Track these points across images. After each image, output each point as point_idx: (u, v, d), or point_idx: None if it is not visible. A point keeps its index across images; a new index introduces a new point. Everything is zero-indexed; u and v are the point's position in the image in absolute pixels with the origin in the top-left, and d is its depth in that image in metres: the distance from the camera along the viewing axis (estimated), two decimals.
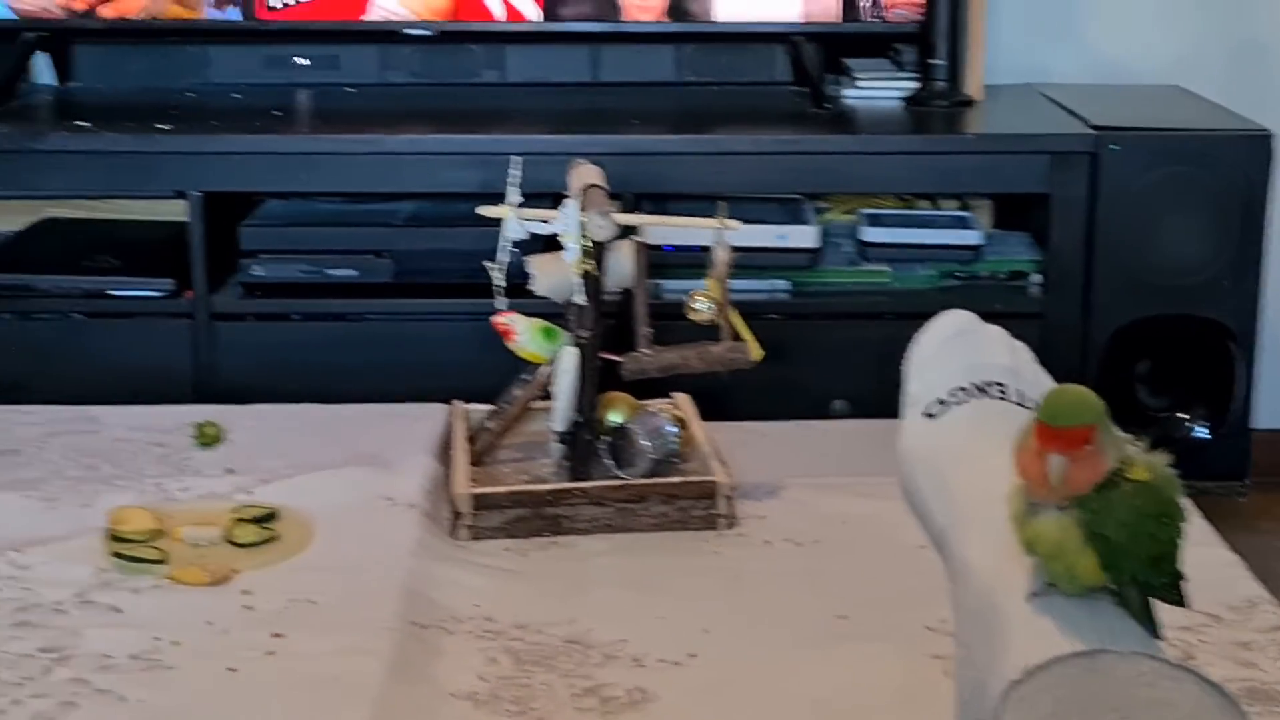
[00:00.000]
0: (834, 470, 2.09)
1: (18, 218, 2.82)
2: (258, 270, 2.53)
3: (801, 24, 2.77)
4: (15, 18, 2.74)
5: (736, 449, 2.08)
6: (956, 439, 1.44)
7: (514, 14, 2.76)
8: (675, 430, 2.04)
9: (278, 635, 1.62)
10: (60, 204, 2.85)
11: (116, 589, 1.71)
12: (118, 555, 1.76)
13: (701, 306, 2.00)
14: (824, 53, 2.81)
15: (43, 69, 2.88)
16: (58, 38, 2.84)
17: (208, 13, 2.74)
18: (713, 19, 2.78)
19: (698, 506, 1.94)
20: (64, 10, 2.73)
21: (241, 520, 1.84)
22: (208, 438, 2.12)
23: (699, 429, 2.10)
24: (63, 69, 2.88)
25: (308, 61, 2.87)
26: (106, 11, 2.74)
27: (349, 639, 1.60)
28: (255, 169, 2.52)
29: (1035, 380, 1.50)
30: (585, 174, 2.06)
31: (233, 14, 2.74)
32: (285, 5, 2.74)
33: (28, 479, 1.98)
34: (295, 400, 2.29)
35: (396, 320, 2.54)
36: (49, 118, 2.72)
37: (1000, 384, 1.48)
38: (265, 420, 2.20)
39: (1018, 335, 1.55)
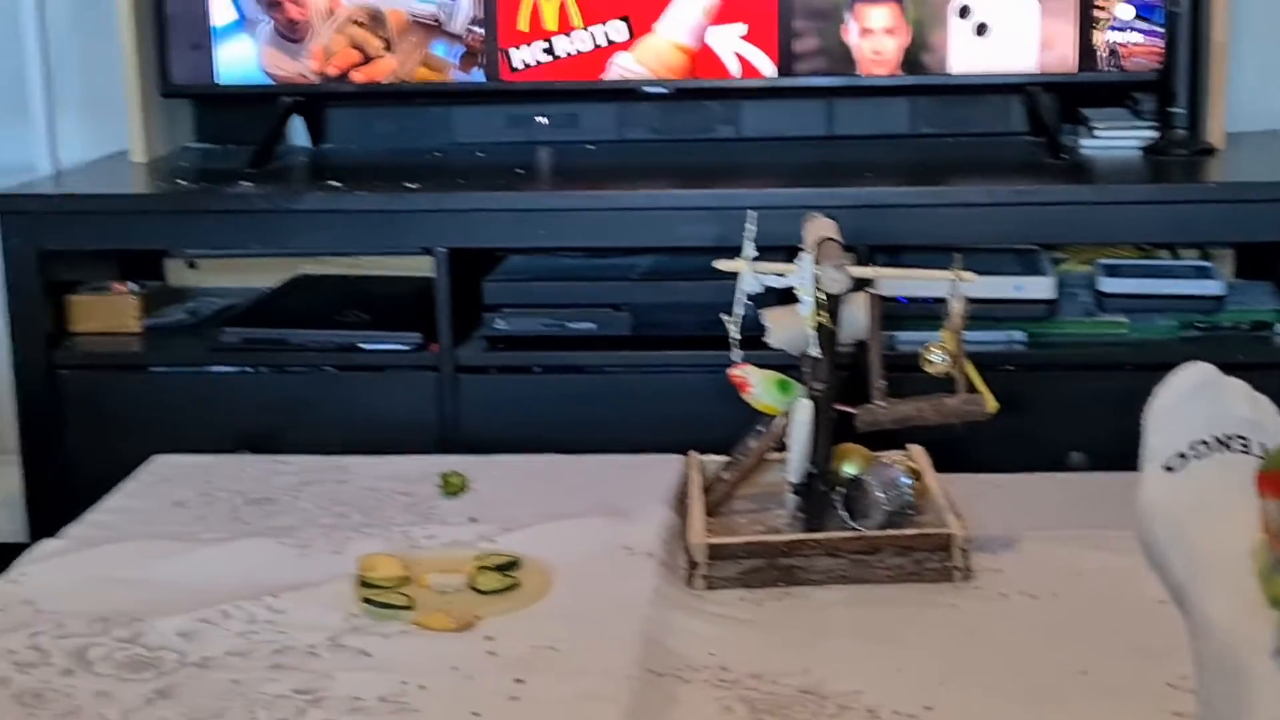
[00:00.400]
0: (1071, 523, 2.06)
1: (274, 275, 2.94)
2: (500, 324, 2.59)
3: (1038, 74, 2.76)
4: (273, 83, 2.86)
5: (972, 501, 2.07)
6: (1197, 493, 1.43)
7: (749, 70, 2.79)
8: (910, 482, 2.04)
9: (520, 680, 1.66)
10: (313, 261, 2.96)
11: (366, 634, 1.76)
12: (367, 601, 1.81)
13: (936, 358, 1.99)
14: (1061, 102, 2.79)
15: (298, 132, 3.00)
16: (312, 102, 2.96)
17: (454, 75, 2.83)
18: (947, 71, 2.78)
19: (933, 559, 1.93)
20: (318, 76, 2.85)
21: (485, 568, 1.88)
22: (453, 487, 2.17)
23: (934, 481, 2.09)
24: (316, 131, 3.00)
25: (548, 120, 2.94)
26: (358, 76, 2.85)
27: (588, 685, 1.63)
28: (498, 225, 2.59)
29: (1279, 433, 1.47)
30: (820, 227, 2.07)
31: (477, 75, 2.82)
32: (527, 66, 2.82)
33: (283, 526, 2.05)
34: (536, 450, 2.33)
35: (634, 372, 2.58)
36: (303, 178, 2.83)
37: (1243, 437, 1.45)
38: (507, 470, 2.25)
39: (1260, 387, 1.53)
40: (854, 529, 1.98)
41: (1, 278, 2.65)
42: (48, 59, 2.86)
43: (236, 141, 2.98)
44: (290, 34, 2.84)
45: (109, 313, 2.75)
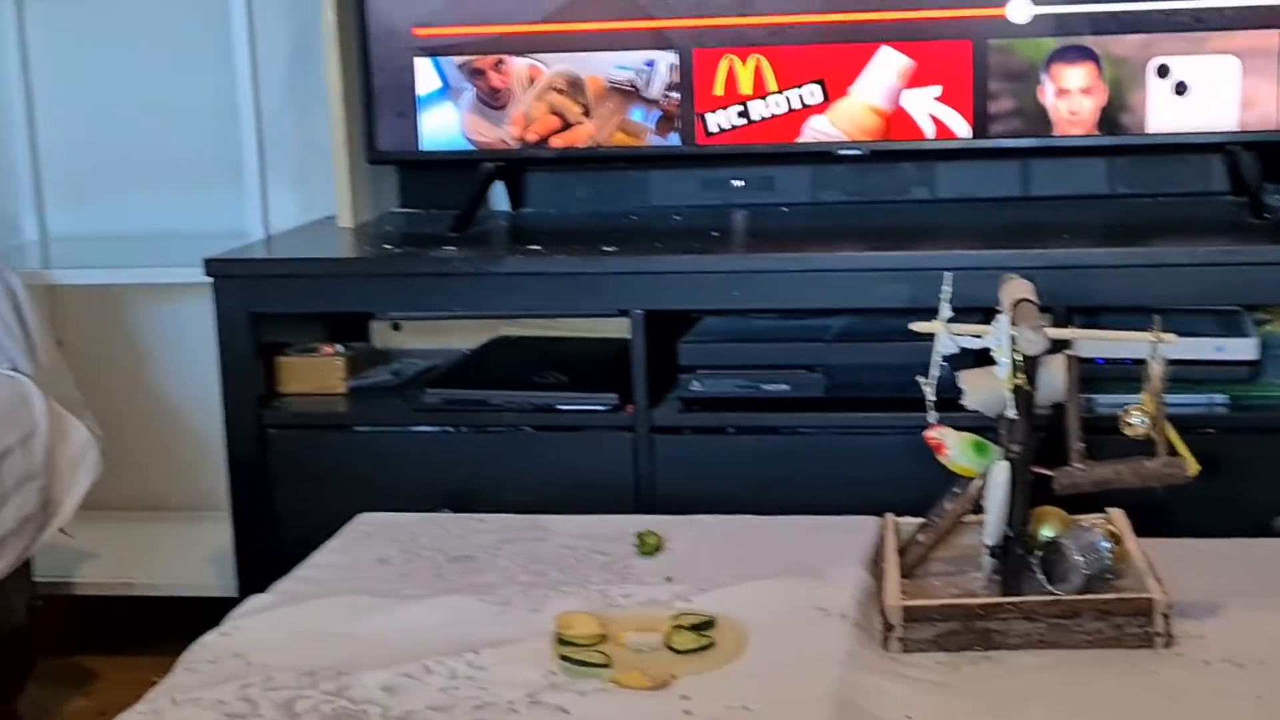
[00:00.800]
0: (1276, 590, 2.02)
1: (474, 336, 3.01)
2: (695, 385, 2.62)
3: (1239, 133, 2.72)
4: (475, 149, 2.93)
5: (1173, 565, 2.04)
6: None
7: (944, 131, 2.79)
8: (1109, 546, 2.01)
9: None
10: (511, 323, 3.02)
11: (564, 691, 1.79)
12: (565, 659, 1.84)
13: (1136, 421, 1.97)
14: (1263, 161, 2.75)
15: (499, 196, 3.07)
16: (513, 167, 3.03)
17: (650, 140, 2.87)
18: (1146, 130, 2.75)
19: (1133, 624, 1.90)
20: (519, 141, 2.91)
21: (680, 627, 1.90)
22: (648, 547, 2.19)
23: (1133, 545, 2.07)
24: (516, 196, 3.07)
25: (743, 183, 2.97)
26: (557, 141, 2.91)
27: None
28: (693, 287, 2.61)
29: None
30: (1016, 288, 2.07)
31: (673, 140, 2.87)
32: (722, 130, 2.85)
33: (483, 584, 2.09)
34: (731, 511, 2.34)
35: (828, 434, 2.59)
36: (504, 242, 2.89)
37: None
38: (702, 530, 2.26)
39: None
40: (1052, 593, 1.96)
41: (214, 340, 2.74)
42: (261, 129, 2.96)
43: (439, 206, 3.05)
44: (492, 101, 2.91)
45: (316, 374, 2.83)
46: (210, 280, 2.72)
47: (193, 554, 3.13)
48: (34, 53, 3.33)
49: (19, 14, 3.31)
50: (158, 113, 3.28)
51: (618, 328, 2.68)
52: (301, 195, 3.20)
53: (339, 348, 2.86)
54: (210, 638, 1.93)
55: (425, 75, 2.91)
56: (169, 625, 2.77)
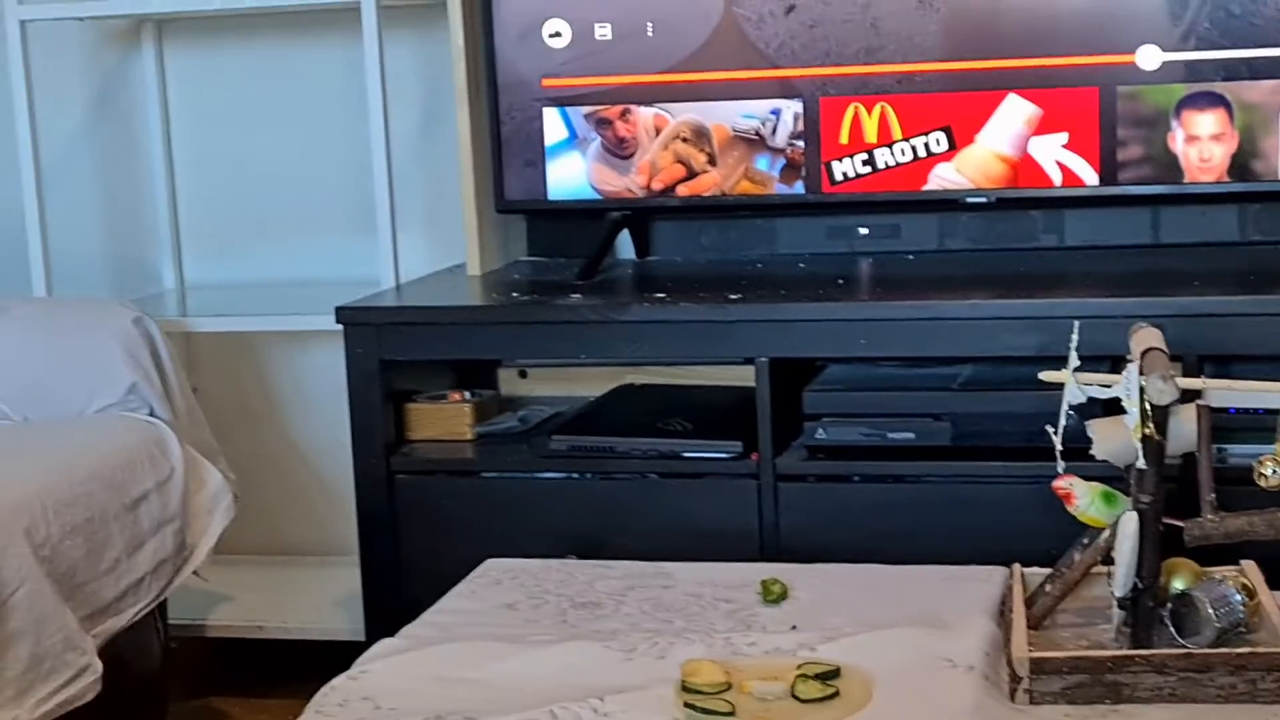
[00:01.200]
0: None
1: (600, 383, 3.03)
2: (821, 433, 2.61)
3: None
4: (601, 199, 2.96)
5: None
6: None
7: (1071, 178, 2.78)
8: (1242, 598, 1.98)
9: None
10: (636, 369, 3.04)
11: None
12: (690, 706, 1.84)
13: (1270, 471, 1.95)
14: None
15: (625, 244, 3.09)
16: (638, 215, 3.05)
17: (776, 188, 2.89)
18: (1278, 177, 2.72)
19: (1267, 679, 1.87)
20: (645, 190, 2.94)
21: (806, 676, 1.90)
22: (773, 595, 2.19)
23: (1267, 598, 2.03)
24: (642, 244, 3.09)
25: (869, 231, 2.97)
26: (683, 190, 2.93)
27: None
28: (819, 335, 2.61)
29: None
30: (1145, 337, 2.05)
31: (798, 188, 2.87)
32: (847, 179, 2.86)
33: (608, 630, 2.10)
34: (856, 560, 2.34)
35: (955, 483, 2.57)
36: (629, 290, 2.91)
37: None
38: (827, 579, 2.26)
39: None
40: (1183, 646, 1.94)
41: (345, 386, 2.78)
42: (392, 179, 3.01)
43: (566, 254, 3.08)
44: (618, 150, 2.94)
45: (444, 420, 2.86)
46: (341, 328, 2.76)
47: (322, 598, 3.17)
48: (174, 106, 3.42)
49: (160, 68, 3.40)
50: (293, 164, 3.36)
51: (742, 375, 2.68)
52: (431, 243, 3.25)
53: (467, 394, 2.89)
54: (340, 681, 1.96)
55: (553, 125, 2.95)
56: (299, 668, 2.82)
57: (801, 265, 2.95)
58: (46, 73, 3.23)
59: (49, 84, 3.25)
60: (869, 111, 2.84)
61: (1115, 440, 2.01)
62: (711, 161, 2.91)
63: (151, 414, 2.81)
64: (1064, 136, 2.78)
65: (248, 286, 3.37)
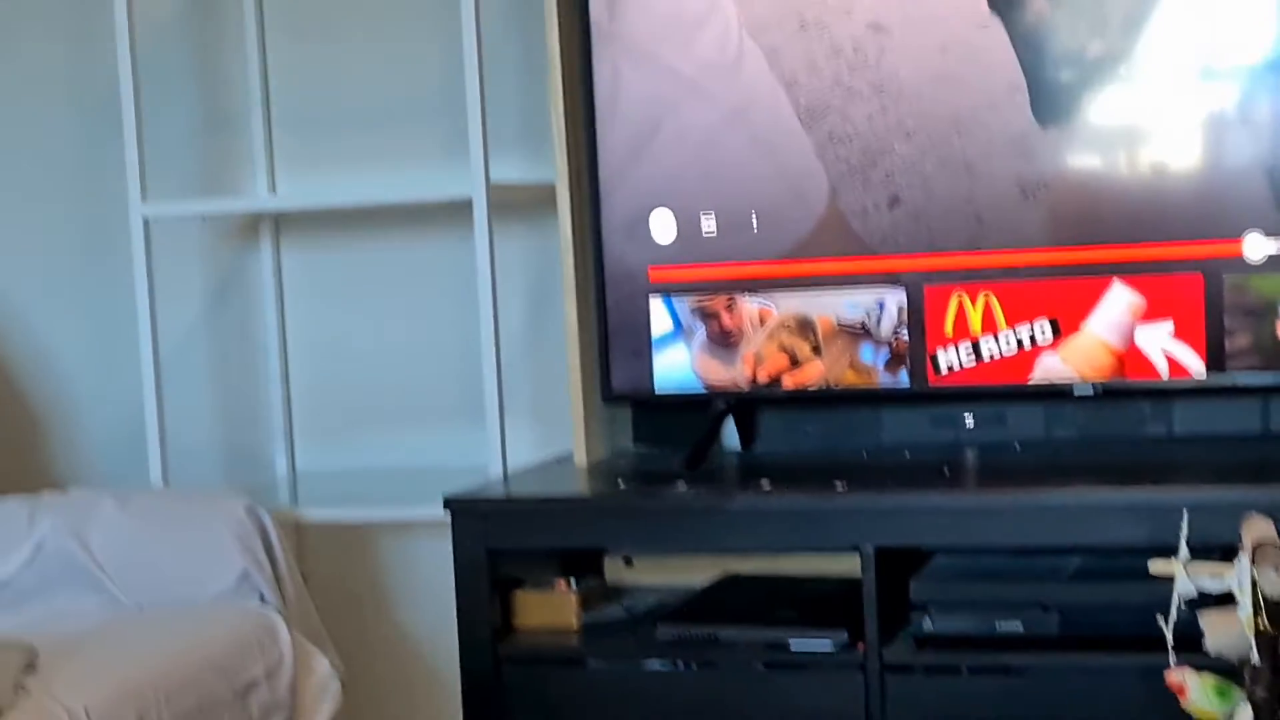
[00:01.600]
0: None
1: (705, 572, 3.02)
2: (928, 624, 2.59)
3: None
4: (706, 389, 2.98)
5: None
6: None
7: (1178, 369, 2.77)
8: None
9: None
10: (739, 558, 3.03)
11: None
12: None
13: None
14: None
15: (730, 433, 3.11)
16: (743, 405, 3.07)
17: (880, 379, 2.90)
18: None
19: None
20: (749, 380, 2.96)
21: None
22: None
23: None
24: (747, 433, 3.10)
25: (974, 420, 2.97)
26: (788, 380, 2.95)
27: None
28: (925, 525, 2.60)
29: None
30: (1258, 528, 2.04)
31: (903, 378, 2.88)
32: (952, 370, 2.86)
33: None
34: None
35: (1064, 675, 2.54)
36: (734, 479, 2.92)
37: None
38: None
39: None
40: None
41: (451, 574, 2.80)
42: (500, 370, 3.05)
43: (672, 443, 3.09)
44: (723, 341, 2.97)
45: (551, 609, 2.86)
46: (449, 517, 2.79)
47: None
48: (289, 298, 3.50)
49: (276, 262, 3.49)
50: (403, 355, 3.42)
51: (848, 565, 2.67)
52: (538, 432, 3.28)
53: (573, 583, 2.90)
54: None
55: (659, 316, 2.98)
56: None
57: (907, 454, 2.95)
58: (167, 266, 3.32)
59: (169, 277, 3.33)
60: (973, 301, 2.85)
61: (1228, 633, 1.99)
62: (816, 351, 2.93)
63: (262, 600, 2.84)
64: (1170, 325, 2.77)
65: (357, 473, 3.42)
